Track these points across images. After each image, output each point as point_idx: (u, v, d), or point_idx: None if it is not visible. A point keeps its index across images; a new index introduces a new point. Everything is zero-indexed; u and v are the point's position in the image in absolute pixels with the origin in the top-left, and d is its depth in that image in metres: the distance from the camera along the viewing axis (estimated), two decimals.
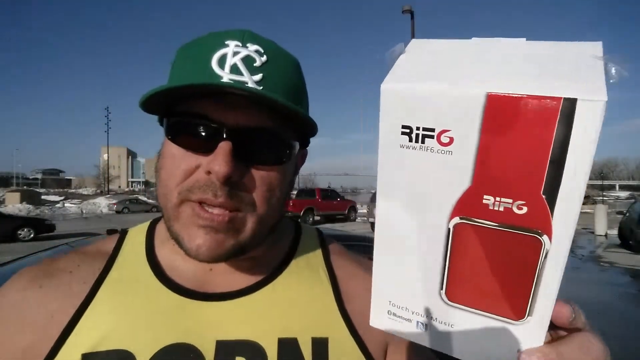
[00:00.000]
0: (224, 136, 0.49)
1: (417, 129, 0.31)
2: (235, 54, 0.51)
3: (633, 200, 17.15)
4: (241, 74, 0.50)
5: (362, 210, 23.68)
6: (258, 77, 0.50)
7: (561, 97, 0.26)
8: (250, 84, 0.50)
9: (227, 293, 0.57)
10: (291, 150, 0.55)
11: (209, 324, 0.55)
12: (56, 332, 0.52)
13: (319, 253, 0.66)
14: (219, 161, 0.48)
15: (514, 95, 0.28)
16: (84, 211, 31.66)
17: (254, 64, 0.51)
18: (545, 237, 0.30)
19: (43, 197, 42.09)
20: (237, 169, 0.49)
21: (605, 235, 15.29)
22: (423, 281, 0.35)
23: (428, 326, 0.36)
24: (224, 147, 0.49)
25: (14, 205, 29.68)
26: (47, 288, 0.55)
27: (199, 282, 0.58)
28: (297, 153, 0.58)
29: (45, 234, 14.79)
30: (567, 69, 0.29)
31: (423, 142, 0.31)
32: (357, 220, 20.88)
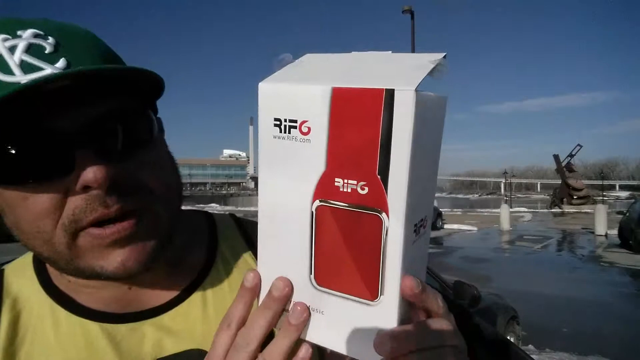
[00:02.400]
0: (75, 143, 0.40)
1: (285, 120, 0.36)
2: (12, 49, 0.40)
3: (633, 200, 17.14)
4: (39, 68, 0.39)
5: None
6: (61, 63, 0.40)
7: (383, 89, 0.31)
8: (58, 73, 0.39)
9: (155, 308, 0.51)
10: (152, 122, 0.48)
11: (143, 345, 0.49)
12: None
13: (240, 240, 0.61)
14: (89, 169, 0.39)
15: (351, 88, 0.33)
16: None
17: (45, 51, 0.40)
18: (384, 215, 0.33)
19: None
20: (113, 167, 0.41)
21: (605, 235, 15.29)
22: (298, 266, 0.38)
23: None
24: (83, 155, 0.40)
25: None
26: None
27: (123, 303, 0.51)
28: (157, 125, 0.50)
29: None
30: (401, 70, 0.35)
31: (289, 132, 0.36)
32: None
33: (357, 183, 0.34)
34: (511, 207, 24.62)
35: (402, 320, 0.35)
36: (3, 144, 0.39)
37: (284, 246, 0.38)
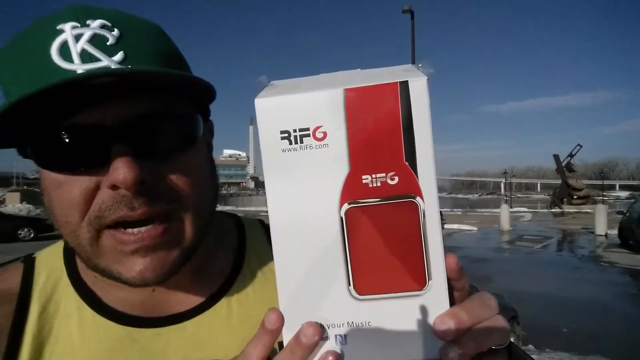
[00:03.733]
0: (113, 138, 0.41)
1: (294, 131, 0.35)
2: (77, 37, 0.41)
3: (633, 200, 17.13)
4: (97, 59, 0.40)
5: None
6: (119, 56, 0.41)
7: (397, 82, 0.34)
8: (114, 67, 0.40)
9: (179, 314, 0.50)
10: (196, 126, 0.47)
11: (166, 352, 0.48)
12: None
13: (268, 248, 0.56)
14: (120, 169, 0.39)
15: (364, 86, 0.34)
16: None
17: (107, 43, 0.41)
18: (418, 199, 0.34)
19: None
20: (145, 168, 0.41)
21: (605, 235, 15.28)
22: (329, 281, 0.35)
23: (348, 337, 0.36)
24: (118, 151, 0.40)
25: (14, 205, 29.65)
26: None
27: (146, 307, 0.50)
28: (203, 127, 0.50)
29: (45, 234, 14.79)
30: (394, 73, 0.36)
31: (302, 141, 0.35)
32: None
33: (387, 175, 0.34)
34: (511, 207, 24.62)
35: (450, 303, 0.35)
36: (47, 128, 0.41)
37: (309, 267, 0.35)
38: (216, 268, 0.55)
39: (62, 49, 0.40)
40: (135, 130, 0.42)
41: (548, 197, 47.11)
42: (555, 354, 4.71)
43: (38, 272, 0.51)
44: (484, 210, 31.29)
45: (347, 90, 0.34)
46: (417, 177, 0.34)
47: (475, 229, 18.11)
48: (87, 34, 0.41)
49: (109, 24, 0.43)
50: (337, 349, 0.36)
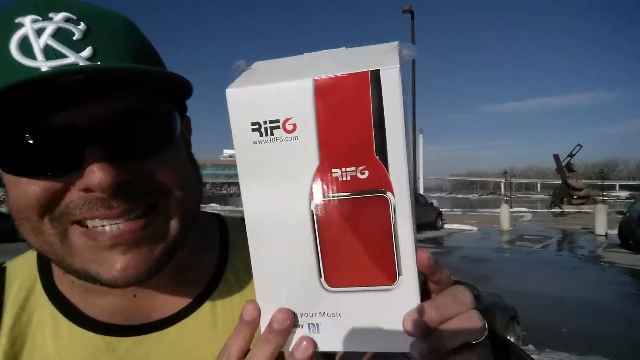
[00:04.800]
0: (87, 140, 0.38)
1: (265, 122, 0.34)
2: (39, 32, 0.37)
3: (633, 200, 17.11)
4: (63, 55, 0.37)
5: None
6: (87, 52, 0.38)
7: (368, 71, 0.32)
8: (82, 64, 0.37)
9: (161, 320, 0.48)
10: (174, 123, 0.45)
11: (151, 359, 0.47)
12: None
13: None
14: (95, 172, 0.37)
15: (334, 76, 0.33)
16: None
17: (73, 38, 0.38)
18: (389, 194, 0.33)
19: None
20: (122, 170, 0.39)
21: (605, 235, 15.27)
22: (302, 274, 0.36)
23: (320, 326, 0.36)
24: (93, 153, 0.38)
25: None
26: None
27: (126, 314, 0.48)
28: (180, 124, 0.47)
29: None
30: (371, 57, 0.35)
31: (272, 133, 0.34)
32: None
33: (357, 168, 0.33)
34: (511, 207, 24.60)
35: (421, 297, 0.35)
36: (11, 131, 0.38)
37: (283, 259, 0.36)
38: (199, 269, 0.53)
39: (22, 44, 0.37)
40: (110, 130, 0.39)
41: (548, 197, 47.08)
42: (555, 354, 4.71)
43: (9, 283, 0.48)
44: (484, 210, 31.29)
45: (316, 81, 0.33)
46: (388, 171, 0.33)
47: (475, 229, 18.10)
48: (50, 28, 0.38)
49: (74, 17, 0.39)
50: (311, 336, 0.37)
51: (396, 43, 0.36)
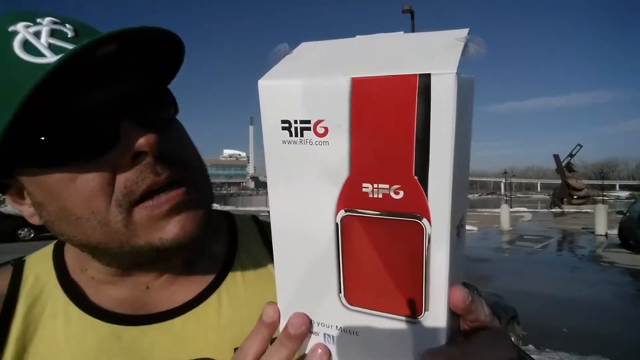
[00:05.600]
0: (119, 115, 0.40)
1: (295, 122, 0.31)
2: (36, 34, 0.39)
3: (633, 200, 17.12)
4: (68, 49, 0.38)
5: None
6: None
7: (417, 74, 0.27)
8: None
9: (168, 311, 0.50)
10: (174, 98, 0.49)
11: (153, 350, 0.48)
12: None
13: (261, 246, 0.59)
14: (139, 136, 0.39)
15: (374, 77, 0.28)
16: None
17: (68, 36, 0.40)
18: (425, 221, 0.29)
19: None
20: (159, 135, 0.41)
21: (605, 235, 15.27)
22: (322, 285, 0.34)
23: (336, 338, 0.35)
24: (128, 125, 0.40)
25: None
26: None
27: (137, 305, 0.50)
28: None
29: (45, 234, 14.79)
30: (428, 51, 0.30)
31: (302, 135, 0.31)
32: None
33: (390, 187, 0.29)
34: (511, 207, 24.61)
35: (449, 336, 0.31)
36: (46, 125, 0.39)
37: (305, 266, 0.34)
38: (207, 264, 0.55)
39: (25, 46, 0.38)
40: (136, 104, 0.42)
41: (548, 197, 47.06)
42: (555, 354, 4.71)
43: (26, 275, 0.51)
44: (484, 210, 31.27)
45: (354, 80, 0.28)
46: (427, 196, 0.28)
47: (475, 229, 18.10)
48: (45, 29, 0.39)
49: (59, 21, 0.41)
50: (328, 345, 0.35)
51: (465, 33, 0.30)
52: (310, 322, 0.35)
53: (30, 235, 14.42)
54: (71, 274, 0.51)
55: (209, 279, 0.54)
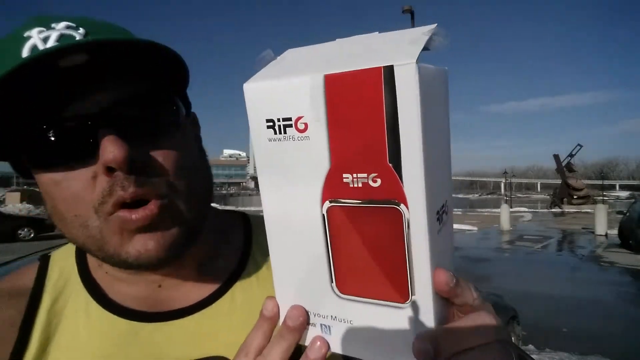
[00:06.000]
0: (98, 124, 0.41)
1: (278, 120, 0.33)
2: (45, 39, 0.41)
3: (633, 200, 17.11)
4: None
5: None
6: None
7: (381, 67, 0.28)
8: (79, 39, 0.41)
9: (182, 309, 0.52)
10: (177, 110, 0.48)
11: (167, 347, 0.49)
12: None
13: None
14: (108, 148, 0.40)
15: (344, 72, 0.29)
16: None
17: (77, 39, 0.42)
18: (402, 206, 0.30)
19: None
20: (132, 149, 0.41)
21: (605, 235, 15.26)
22: (316, 276, 0.35)
23: (332, 328, 0.36)
24: (104, 134, 0.40)
25: (14, 205, 29.63)
26: None
27: (150, 302, 0.51)
28: (187, 118, 0.51)
29: (45, 234, 14.79)
30: (394, 46, 0.31)
31: (285, 132, 0.33)
32: None
33: (368, 176, 0.31)
34: (511, 207, 24.61)
35: (439, 320, 0.32)
36: (32, 128, 0.41)
37: (298, 258, 0.35)
38: (221, 264, 0.56)
39: (32, 51, 0.40)
40: (118, 114, 0.42)
41: (548, 197, 47.06)
42: (555, 354, 4.71)
43: (51, 270, 0.53)
44: (484, 210, 31.26)
45: (327, 77, 0.30)
46: (402, 182, 0.29)
47: (475, 229, 18.09)
48: (54, 34, 0.41)
49: (74, 25, 0.43)
50: (325, 335, 0.36)
51: (432, 28, 0.32)
52: (307, 314, 0.36)
53: (30, 235, 14.43)
54: (91, 270, 0.53)
55: (223, 278, 0.55)
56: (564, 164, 34.97)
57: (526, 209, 32.41)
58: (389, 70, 0.28)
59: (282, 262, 0.37)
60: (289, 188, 0.34)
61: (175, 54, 0.44)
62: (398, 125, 0.29)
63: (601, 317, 6.10)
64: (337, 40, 0.37)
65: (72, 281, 0.52)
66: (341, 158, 0.31)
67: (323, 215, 0.33)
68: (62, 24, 0.43)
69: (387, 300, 0.33)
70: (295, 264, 0.36)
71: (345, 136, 0.31)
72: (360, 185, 0.31)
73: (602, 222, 15.79)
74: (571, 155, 35.63)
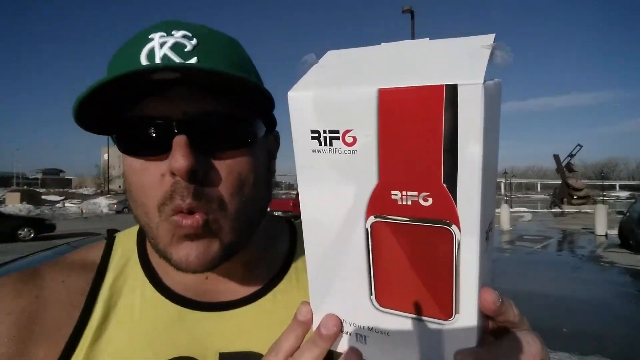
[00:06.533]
0: (176, 130, 0.45)
1: (324, 131, 0.32)
2: (162, 44, 0.47)
3: (633, 200, 17.12)
4: (172, 61, 0.46)
5: None
6: (192, 60, 0.47)
7: (443, 85, 0.27)
8: (177, 62, 0.46)
9: (227, 302, 0.55)
10: (253, 130, 0.51)
11: (210, 336, 0.53)
12: (60, 348, 0.49)
13: None
14: (177, 156, 0.44)
15: (402, 88, 0.28)
16: (84, 211, 31.63)
17: (185, 49, 0.47)
18: (454, 227, 0.29)
19: (43, 197, 42.11)
20: (199, 161, 0.45)
21: (605, 235, 15.26)
22: (354, 287, 0.35)
23: (368, 338, 0.36)
24: (178, 141, 0.45)
25: (14, 205, 29.69)
26: (45, 300, 0.52)
27: (197, 291, 0.55)
28: (263, 134, 0.54)
29: (45, 234, 14.79)
30: (454, 60, 0.30)
31: (331, 144, 0.32)
32: None
33: (419, 194, 0.30)
34: (511, 207, 24.61)
35: (480, 337, 0.32)
36: (126, 118, 0.48)
37: (335, 268, 0.35)
38: (266, 266, 0.60)
39: (149, 53, 0.46)
40: (195, 124, 0.46)
41: (548, 197, 47.08)
42: (555, 354, 4.71)
43: (115, 249, 0.59)
44: None
45: (381, 92, 0.29)
46: (456, 203, 0.29)
47: None
48: (170, 41, 0.47)
49: (190, 34, 0.49)
50: (358, 346, 0.36)
51: (491, 40, 0.31)
52: (342, 323, 0.36)
53: (30, 235, 14.43)
54: (149, 254, 0.58)
55: (266, 278, 0.58)
56: (564, 164, 34.97)
57: (526, 209, 32.42)
58: (452, 89, 0.27)
59: (319, 270, 0.37)
60: (331, 200, 0.33)
61: (263, 90, 0.47)
62: (457, 146, 0.28)
63: (601, 317, 6.10)
64: (382, 44, 0.36)
65: (131, 262, 0.57)
66: (390, 174, 0.30)
67: (367, 229, 0.32)
68: (180, 33, 0.48)
69: (429, 317, 0.32)
70: (332, 274, 0.36)
71: (397, 153, 0.30)
72: (409, 203, 0.30)
73: (602, 222, 15.79)
74: (571, 155, 35.62)
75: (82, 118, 0.46)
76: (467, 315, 0.31)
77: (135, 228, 0.61)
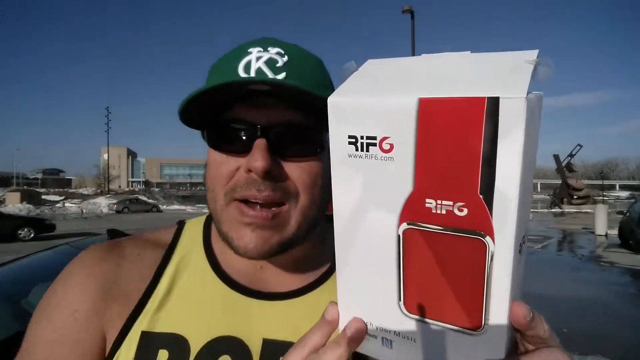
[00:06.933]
0: (258, 134, 0.52)
1: (362, 137, 0.32)
2: (258, 58, 0.54)
3: (633, 200, 17.14)
4: (265, 75, 0.53)
5: None
6: (281, 75, 0.53)
7: (485, 97, 0.27)
8: (270, 78, 0.52)
9: (276, 293, 0.60)
10: (323, 140, 0.56)
11: (258, 322, 0.58)
12: (130, 309, 0.57)
13: None
14: (256, 157, 0.51)
15: (443, 98, 0.28)
16: (84, 211, 31.66)
17: (277, 65, 0.54)
18: (488, 239, 0.29)
19: (43, 197, 42.10)
20: (275, 162, 0.52)
21: (605, 235, 15.27)
22: (383, 292, 0.35)
23: (393, 343, 0.36)
24: (259, 144, 0.52)
25: (14, 205, 29.69)
26: (123, 268, 0.60)
27: (251, 279, 0.61)
28: None
29: (45, 234, 14.79)
30: (497, 73, 0.30)
31: (367, 150, 0.32)
32: None
33: (454, 204, 0.30)
34: None
35: (508, 349, 0.32)
36: (216, 119, 0.55)
37: (364, 272, 0.36)
38: (315, 264, 0.65)
39: (246, 65, 0.54)
40: (275, 131, 0.53)
41: (548, 197, 47.06)
42: None
43: (184, 234, 0.67)
44: None
45: (421, 101, 0.29)
46: (492, 215, 0.29)
47: None
48: (265, 57, 0.55)
49: (282, 51, 0.56)
50: (383, 349, 0.37)
51: (534, 55, 0.31)
52: (366, 328, 0.36)
53: (30, 235, 14.43)
54: (212, 240, 0.65)
55: (314, 276, 0.64)
56: (564, 164, 34.96)
57: None
58: (494, 102, 0.27)
59: (348, 272, 0.37)
60: (365, 205, 0.34)
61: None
62: (495, 159, 0.28)
63: (601, 317, 6.10)
64: (422, 55, 0.37)
65: (196, 247, 0.65)
66: (426, 183, 0.31)
67: (399, 235, 0.33)
68: (275, 50, 0.56)
69: (457, 325, 0.33)
70: (361, 277, 0.36)
71: (434, 162, 0.30)
72: (443, 212, 0.30)
73: (602, 222, 15.80)
74: (571, 155, 35.61)
75: (183, 113, 0.53)
76: (496, 327, 0.31)
77: (203, 217, 0.70)
